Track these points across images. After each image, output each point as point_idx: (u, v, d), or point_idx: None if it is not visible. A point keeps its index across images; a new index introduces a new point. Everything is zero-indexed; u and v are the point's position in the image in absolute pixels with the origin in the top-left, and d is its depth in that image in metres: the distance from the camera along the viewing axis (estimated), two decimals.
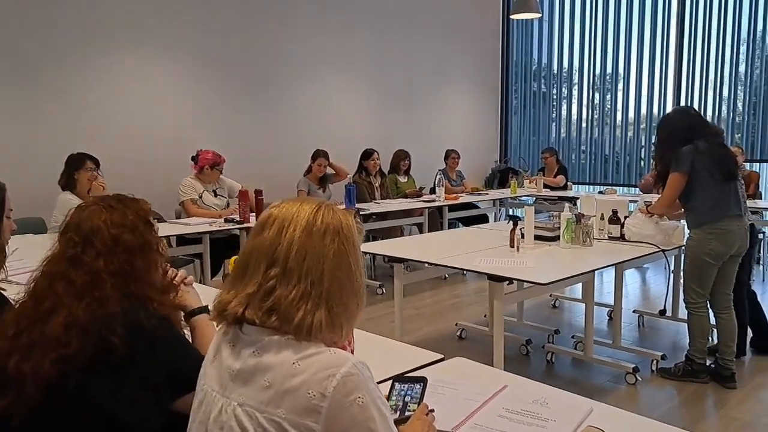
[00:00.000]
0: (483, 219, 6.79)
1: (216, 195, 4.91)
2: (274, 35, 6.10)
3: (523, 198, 7.08)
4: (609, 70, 7.66)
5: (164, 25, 5.37)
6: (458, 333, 4.22)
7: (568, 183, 7.31)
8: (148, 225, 1.36)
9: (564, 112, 8.20)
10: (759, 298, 3.85)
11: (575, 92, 8.03)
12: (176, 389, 1.23)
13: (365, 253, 3.69)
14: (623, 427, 1.36)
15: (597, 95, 7.84)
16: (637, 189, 6.73)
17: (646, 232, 3.49)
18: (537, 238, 3.51)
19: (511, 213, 6.85)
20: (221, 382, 1.05)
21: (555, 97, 8.32)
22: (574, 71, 7.97)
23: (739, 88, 6.75)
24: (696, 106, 6.85)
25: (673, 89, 7.16)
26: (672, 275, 4.38)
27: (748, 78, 6.64)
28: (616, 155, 7.74)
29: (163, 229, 2.24)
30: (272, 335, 1.01)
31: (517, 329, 4.19)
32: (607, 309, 4.60)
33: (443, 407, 1.37)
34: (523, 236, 3.41)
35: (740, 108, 6.75)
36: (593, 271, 3.17)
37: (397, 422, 1.09)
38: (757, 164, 6.50)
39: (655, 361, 3.58)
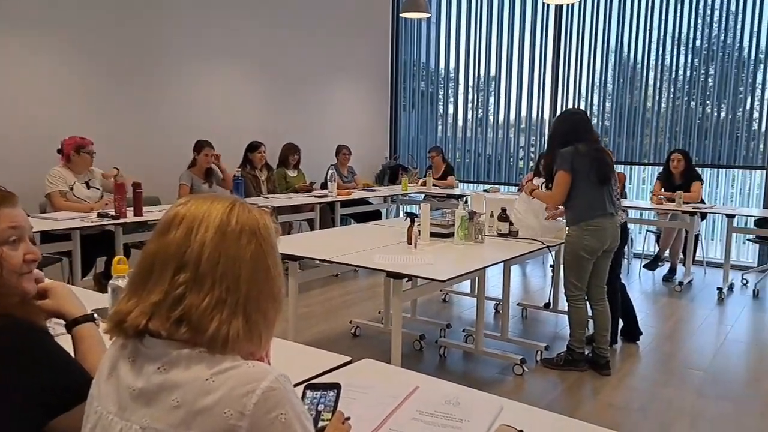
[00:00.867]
0: (376, 215, 6.80)
1: (89, 187, 4.52)
2: (153, 23, 5.69)
3: (413, 195, 7.20)
4: (492, 72, 7.98)
5: (35, 6, 4.83)
6: (353, 330, 4.19)
7: (455, 181, 7.54)
8: None
9: (451, 111, 8.44)
10: (627, 290, 4.19)
11: (460, 93, 8.29)
12: (51, 409, 1.07)
13: None
14: (530, 421, 1.38)
15: (479, 96, 8.15)
16: (517, 188, 7.07)
17: (528, 222, 3.75)
18: (432, 234, 3.57)
19: (407, 210, 6.93)
20: (119, 403, 0.92)
21: (441, 96, 8.54)
22: (460, 72, 8.23)
23: (607, 95, 7.32)
24: None
25: (550, 94, 7.60)
26: (551, 270, 4.64)
27: (615, 86, 7.21)
28: (498, 155, 8.08)
29: None
30: (181, 348, 0.90)
31: (411, 324, 4.24)
32: (494, 302, 4.79)
33: (357, 413, 1.32)
34: (419, 233, 3.44)
35: (608, 113, 7.32)
36: (487, 267, 3.26)
37: None
38: (622, 166, 7.07)
39: (539, 352, 3.77)
